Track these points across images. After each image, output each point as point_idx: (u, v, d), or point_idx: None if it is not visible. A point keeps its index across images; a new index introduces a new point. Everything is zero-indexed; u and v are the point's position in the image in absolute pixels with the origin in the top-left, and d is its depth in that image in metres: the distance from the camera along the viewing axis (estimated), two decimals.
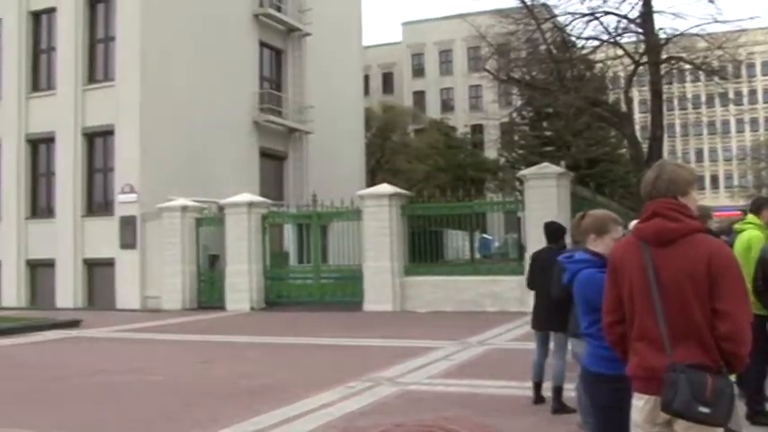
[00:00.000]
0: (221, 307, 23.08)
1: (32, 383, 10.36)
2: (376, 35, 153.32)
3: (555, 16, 26.92)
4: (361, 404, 8.35)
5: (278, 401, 8.53)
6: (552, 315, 7.95)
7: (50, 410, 8.38)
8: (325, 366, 11.44)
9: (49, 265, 27.00)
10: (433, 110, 69.24)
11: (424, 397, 8.77)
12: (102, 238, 25.80)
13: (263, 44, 32.15)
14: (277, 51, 33.49)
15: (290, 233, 26.55)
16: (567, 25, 26.27)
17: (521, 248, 20.77)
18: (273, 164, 32.74)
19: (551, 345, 8.27)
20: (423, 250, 21.51)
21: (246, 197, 23.59)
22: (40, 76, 28.38)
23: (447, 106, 70.72)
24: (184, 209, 24.09)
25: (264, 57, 32.71)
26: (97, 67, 27.14)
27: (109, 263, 25.70)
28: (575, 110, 27.30)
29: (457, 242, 28.37)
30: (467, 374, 10.26)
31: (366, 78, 55.37)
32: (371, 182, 39.49)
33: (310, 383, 9.62)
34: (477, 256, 32.58)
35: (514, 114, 43.54)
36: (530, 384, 8.26)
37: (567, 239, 8.30)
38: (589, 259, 4.34)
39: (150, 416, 7.98)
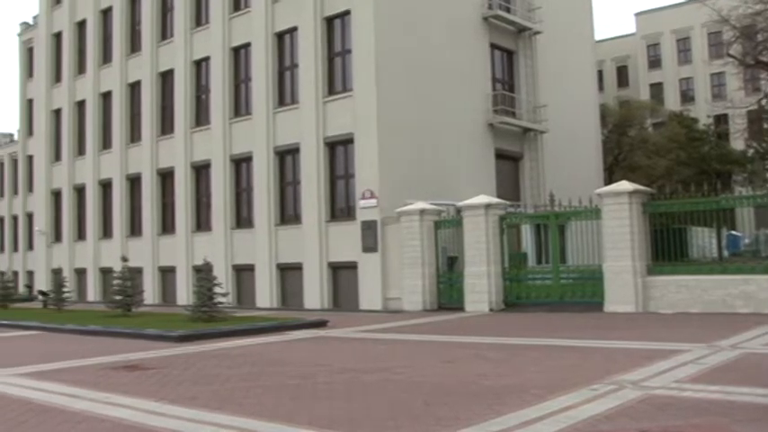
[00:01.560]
0: (460, 308, 23.35)
1: (285, 379, 10.99)
2: (608, 28, 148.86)
3: None
4: (605, 407, 8.13)
5: (519, 402, 8.50)
6: None
7: (302, 405, 8.84)
8: (566, 368, 11.26)
9: (297, 268, 28.57)
10: (672, 102, 66.18)
11: (671, 402, 8.40)
12: (345, 242, 26.92)
13: (493, 46, 32.20)
14: (508, 52, 33.42)
15: (527, 234, 26.39)
16: None
17: None
18: (509, 165, 32.69)
19: None
20: (666, 249, 20.56)
21: (483, 199, 23.72)
22: (284, 92, 30.14)
23: (687, 97, 67.27)
24: (422, 212, 24.62)
25: (496, 58, 32.73)
26: (336, 80, 28.39)
27: (352, 266, 26.76)
28: None
29: (702, 240, 26.86)
30: (719, 380, 9.70)
31: (600, 73, 54.02)
32: (609, 179, 38.45)
33: (552, 385, 9.51)
34: (725, 254, 30.75)
35: (763, 101, 40.66)
36: None
37: None
38: None
39: (395, 413, 8.22)
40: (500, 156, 31.74)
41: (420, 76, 27.82)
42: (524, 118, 33.04)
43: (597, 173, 37.75)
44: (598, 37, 45.82)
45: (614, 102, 54.58)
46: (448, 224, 24.86)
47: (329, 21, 28.58)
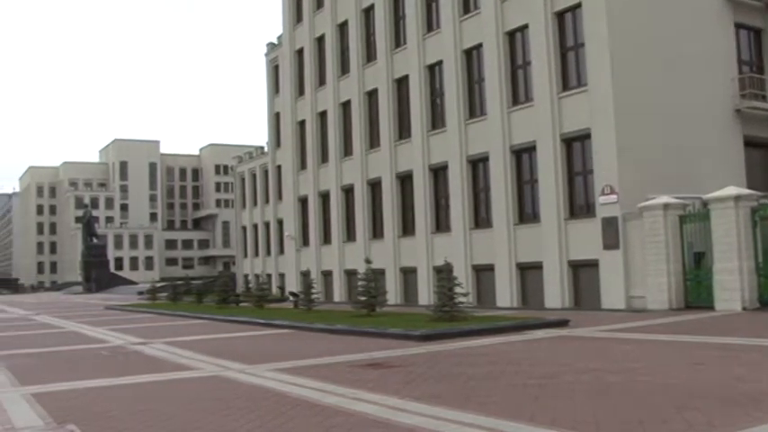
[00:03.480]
0: (710, 307, 22.17)
1: (526, 379, 10.92)
2: None
3: None
4: None
5: None
6: None
7: (545, 405, 8.74)
8: None
9: (536, 267, 28.33)
10: None
11: None
12: (584, 239, 26.37)
13: (738, 25, 30.12)
14: (755, 31, 31.15)
15: None
16: None
17: None
18: (760, 152, 30.48)
19: None
20: None
21: (732, 190, 22.35)
22: (518, 90, 30.00)
23: None
24: (666, 207, 23.63)
25: (741, 39, 30.61)
26: (570, 75, 27.87)
27: (593, 264, 26.15)
28: None
29: None
30: None
31: None
32: None
33: None
34: None
35: None
36: None
37: None
38: None
39: (642, 416, 7.93)
40: (749, 143, 29.64)
41: (658, 65, 26.63)
42: None
43: None
44: None
45: None
46: (694, 218, 23.68)
47: (560, 15, 28.12)
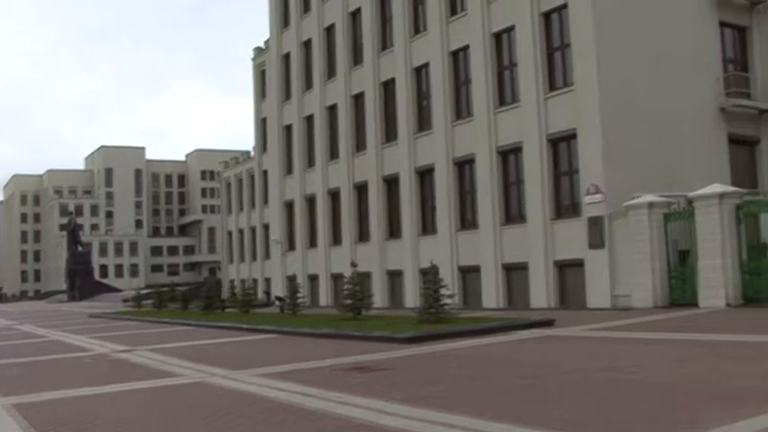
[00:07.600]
0: (694, 304, 22.17)
1: (513, 379, 10.87)
2: None
3: None
4: None
5: (766, 406, 7.88)
6: None
7: (532, 406, 8.69)
8: None
9: (522, 267, 28.33)
10: None
11: None
12: (570, 239, 26.39)
13: (723, 24, 30.08)
14: (740, 29, 31.11)
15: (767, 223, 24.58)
16: None
17: None
18: (743, 150, 30.46)
19: None
20: None
21: (717, 188, 22.37)
22: (504, 92, 30.00)
23: None
24: (651, 205, 23.65)
25: (726, 37, 30.58)
26: (556, 75, 27.89)
27: (578, 263, 26.16)
28: None
29: None
30: None
31: None
32: None
33: None
34: None
35: None
36: None
37: None
38: None
39: (629, 415, 7.88)
40: (733, 141, 29.63)
41: (644, 64, 26.65)
42: (760, 99, 30.70)
43: None
44: None
45: None
46: (679, 216, 23.69)
47: (546, 16, 28.13)
